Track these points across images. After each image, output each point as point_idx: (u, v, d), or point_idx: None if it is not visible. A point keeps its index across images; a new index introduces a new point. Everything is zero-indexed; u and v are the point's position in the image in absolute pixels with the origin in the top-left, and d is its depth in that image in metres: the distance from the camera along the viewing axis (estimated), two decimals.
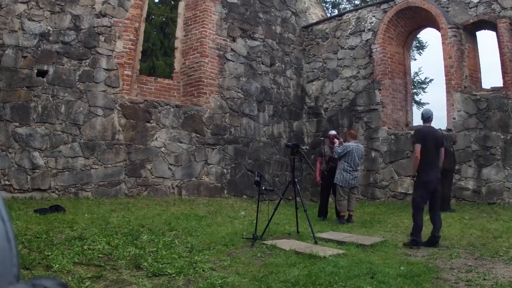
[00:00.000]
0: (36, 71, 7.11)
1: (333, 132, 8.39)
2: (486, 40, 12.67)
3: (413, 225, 5.46)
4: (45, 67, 7.21)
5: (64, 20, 7.48)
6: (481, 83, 9.38)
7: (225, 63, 9.83)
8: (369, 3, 11.15)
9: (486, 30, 9.26)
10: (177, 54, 9.96)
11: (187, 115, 9.05)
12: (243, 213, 7.59)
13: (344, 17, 11.38)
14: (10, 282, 0.58)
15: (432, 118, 5.72)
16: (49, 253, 3.92)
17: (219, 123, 9.59)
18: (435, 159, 5.52)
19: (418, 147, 5.45)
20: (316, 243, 5.35)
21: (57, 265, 3.59)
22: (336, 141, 7.84)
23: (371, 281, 3.73)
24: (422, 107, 23.44)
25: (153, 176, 8.40)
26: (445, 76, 9.17)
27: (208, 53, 9.48)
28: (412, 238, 5.37)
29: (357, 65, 10.79)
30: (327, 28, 11.55)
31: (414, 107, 19.08)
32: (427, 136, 5.51)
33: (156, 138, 8.52)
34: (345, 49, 11.08)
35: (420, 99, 23.38)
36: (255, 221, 5.54)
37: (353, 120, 10.69)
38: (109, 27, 7.99)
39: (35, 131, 7.04)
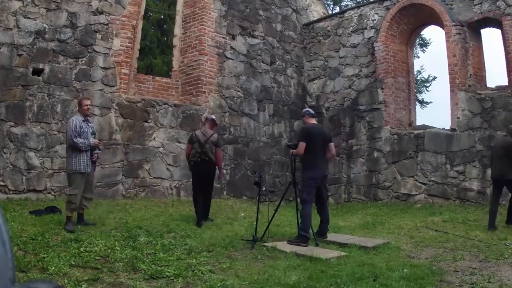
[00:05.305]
0: (31, 69, 7.01)
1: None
2: (491, 38, 12.55)
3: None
4: (41, 66, 7.10)
5: (60, 18, 7.37)
6: (485, 81, 9.26)
7: (224, 61, 9.70)
8: (371, 0, 11.01)
9: (491, 28, 9.14)
10: (176, 52, 9.84)
11: (185, 114, 8.93)
12: (242, 214, 7.48)
13: (346, 14, 11.26)
14: (5, 285, 0.59)
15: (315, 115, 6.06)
16: (45, 255, 3.87)
17: (218, 122, 9.44)
18: (323, 156, 5.67)
19: (303, 145, 5.50)
20: (317, 245, 5.35)
21: (53, 268, 3.55)
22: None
23: (374, 283, 3.67)
24: (426, 106, 23.27)
25: (151, 177, 8.28)
26: (449, 74, 9.05)
27: (207, 51, 9.36)
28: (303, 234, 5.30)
29: (359, 63, 10.65)
30: (328, 26, 11.42)
31: (418, 107, 18.85)
32: (312, 133, 5.62)
33: (154, 138, 8.41)
34: (347, 47, 10.94)
35: (423, 98, 23.16)
36: (255, 223, 5.47)
37: (355, 119, 10.55)
38: (106, 24, 7.88)
39: (30, 130, 6.93)
